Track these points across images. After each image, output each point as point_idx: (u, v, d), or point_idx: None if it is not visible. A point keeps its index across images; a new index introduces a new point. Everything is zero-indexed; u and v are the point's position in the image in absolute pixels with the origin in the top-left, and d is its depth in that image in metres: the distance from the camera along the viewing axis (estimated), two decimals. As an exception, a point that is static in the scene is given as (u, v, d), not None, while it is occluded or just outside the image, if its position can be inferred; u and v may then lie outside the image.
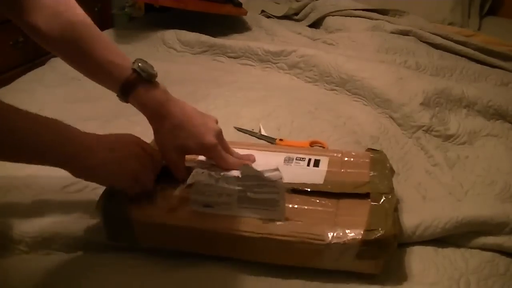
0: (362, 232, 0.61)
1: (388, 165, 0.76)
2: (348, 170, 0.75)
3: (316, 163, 0.77)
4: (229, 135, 0.97)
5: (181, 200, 0.69)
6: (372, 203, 0.66)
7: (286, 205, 0.65)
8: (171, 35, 1.55)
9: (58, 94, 1.22)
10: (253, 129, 0.99)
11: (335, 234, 0.61)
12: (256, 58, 1.39)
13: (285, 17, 1.89)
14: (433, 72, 1.31)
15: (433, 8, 1.87)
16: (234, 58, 1.43)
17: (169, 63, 1.39)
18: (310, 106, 1.08)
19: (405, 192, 0.88)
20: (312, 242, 0.61)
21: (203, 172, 0.68)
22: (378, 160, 0.77)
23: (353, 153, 0.80)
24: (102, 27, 1.78)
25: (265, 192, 0.63)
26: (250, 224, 0.64)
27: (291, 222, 0.64)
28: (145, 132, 0.94)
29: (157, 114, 0.71)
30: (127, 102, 0.72)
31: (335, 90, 1.22)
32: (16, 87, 1.26)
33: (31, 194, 0.78)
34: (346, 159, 0.78)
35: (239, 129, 0.98)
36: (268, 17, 1.89)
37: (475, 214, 0.73)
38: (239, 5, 1.73)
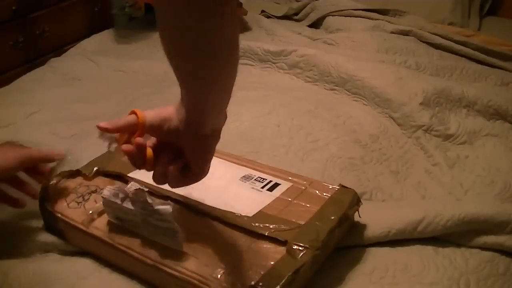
0: None
1: (343, 210, 0.67)
2: (300, 203, 0.69)
3: (272, 188, 0.72)
4: (226, 142, 0.97)
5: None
6: (286, 253, 0.60)
7: (199, 231, 0.64)
8: (171, 35, 1.55)
9: (58, 94, 1.22)
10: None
11: (221, 283, 0.57)
12: (256, 57, 1.39)
13: (285, 17, 1.89)
14: (433, 72, 1.31)
15: (433, 8, 1.87)
16: (234, 58, 1.43)
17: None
18: (310, 105, 1.08)
19: (404, 191, 0.88)
20: (195, 284, 0.58)
21: (113, 188, 0.66)
22: (337, 202, 0.69)
23: (323, 184, 0.74)
24: (102, 27, 1.79)
25: (162, 220, 0.61)
26: (148, 249, 0.63)
27: (187, 256, 0.61)
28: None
29: None
30: None
31: (335, 89, 1.22)
32: (16, 87, 1.26)
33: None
34: (309, 190, 0.72)
35: None
36: (268, 17, 1.89)
37: (476, 212, 0.73)
38: (239, 5, 1.73)
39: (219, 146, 0.90)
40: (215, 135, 0.59)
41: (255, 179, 0.75)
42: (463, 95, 1.12)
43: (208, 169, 0.61)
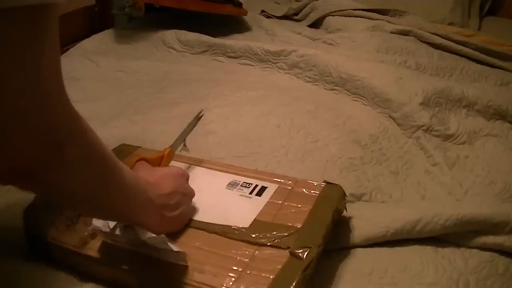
0: None
1: (334, 206, 0.69)
2: (291, 204, 0.70)
3: (260, 192, 0.73)
4: (226, 143, 0.97)
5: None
6: (290, 256, 0.60)
7: (200, 246, 0.63)
8: (171, 35, 1.55)
9: (58, 94, 1.22)
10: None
11: None
12: (256, 58, 1.39)
13: (285, 17, 1.89)
14: (433, 72, 1.31)
15: (433, 8, 1.87)
16: (234, 58, 1.43)
17: (169, 63, 1.39)
18: (310, 105, 1.08)
19: (404, 191, 0.88)
20: None
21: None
22: (326, 199, 0.70)
23: (308, 182, 0.74)
24: (102, 27, 1.79)
25: (156, 249, 0.60)
26: (152, 266, 0.61)
27: (192, 270, 0.59)
28: (145, 131, 0.94)
29: None
30: None
31: (335, 90, 1.22)
32: (16, 87, 1.26)
33: (32, 194, 0.78)
34: (295, 189, 0.73)
35: None
36: (268, 17, 1.89)
37: (475, 212, 0.73)
38: (239, 5, 1.73)
39: (218, 146, 0.91)
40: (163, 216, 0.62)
41: (241, 185, 0.74)
42: (463, 95, 1.12)
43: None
